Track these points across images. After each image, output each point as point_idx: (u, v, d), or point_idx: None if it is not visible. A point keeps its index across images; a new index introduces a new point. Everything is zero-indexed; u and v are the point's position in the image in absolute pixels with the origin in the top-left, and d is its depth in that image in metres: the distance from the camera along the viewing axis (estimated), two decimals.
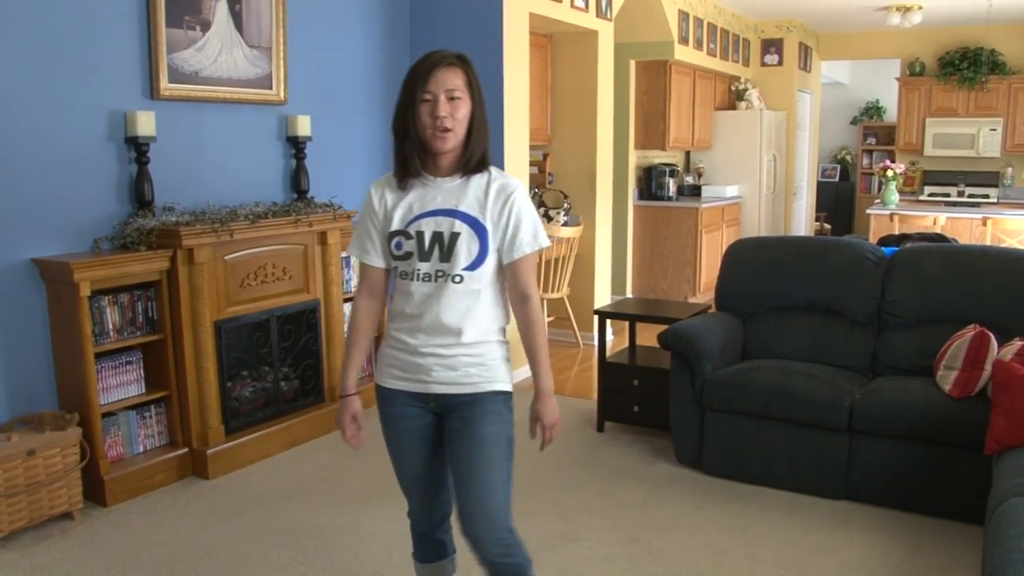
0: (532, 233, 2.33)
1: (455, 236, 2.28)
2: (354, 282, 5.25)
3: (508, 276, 2.37)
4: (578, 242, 6.57)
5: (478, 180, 2.32)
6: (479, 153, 2.32)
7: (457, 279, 2.29)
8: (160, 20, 4.11)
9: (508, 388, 2.39)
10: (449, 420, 2.37)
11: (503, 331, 2.40)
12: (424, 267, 2.30)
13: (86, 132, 3.92)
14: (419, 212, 2.30)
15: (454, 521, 2.46)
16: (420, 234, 2.29)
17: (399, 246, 2.32)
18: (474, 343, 2.33)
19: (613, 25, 6.86)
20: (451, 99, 2.25)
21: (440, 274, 2.29)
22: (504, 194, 2.31)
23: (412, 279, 2.32)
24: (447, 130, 2.24)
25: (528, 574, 2.41)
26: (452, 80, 2.25)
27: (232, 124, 4.58)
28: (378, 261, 2.39)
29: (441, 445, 2.42)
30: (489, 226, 2.30)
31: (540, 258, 6.27)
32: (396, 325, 2.39)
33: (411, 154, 2.30)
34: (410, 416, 2.41)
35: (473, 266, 2.30)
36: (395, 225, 2.32)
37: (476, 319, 2.32)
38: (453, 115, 2.24)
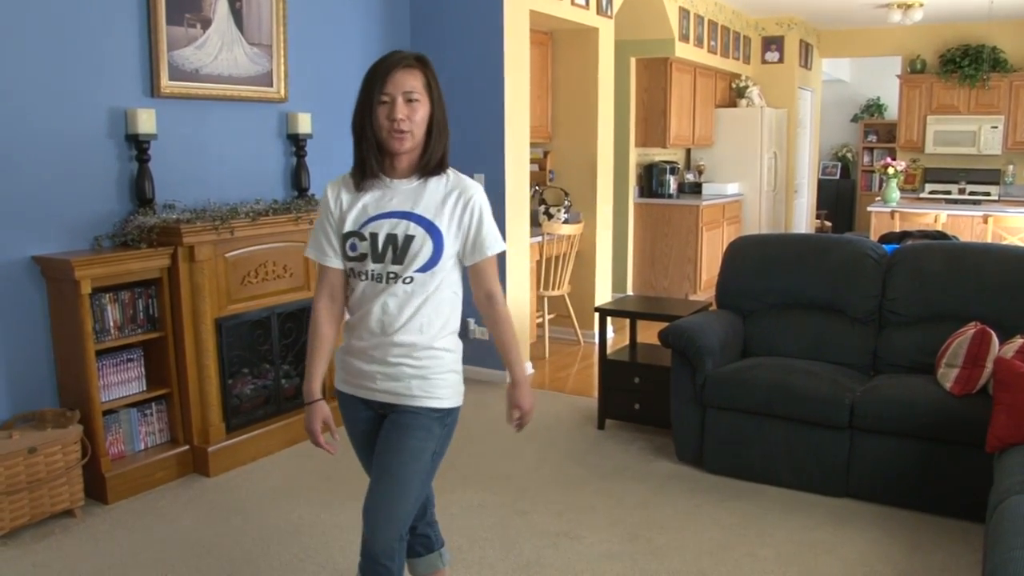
0: (494, 237, 2.34)
1: (409, 239, 2.26)
2: None
3: (472, 277, 2.37)
4: (579, 239, 6.57)
5: (435, 183, 2.31)
6: (438, 155, 2.31)
7: (407, 280, 2.28)
8: (160, 18, 4.11)
9: (448, 405, 2.36)
10: (385, 421, 2.37)
11: (454, 337, 2.40)
12: (376, 268, 2.29)
13: (87, 130, 3.92)
14: (374, 214, 2.29)
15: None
16: (374, 236, 2.28)
17: (353, 247, 2.31)
18: (421, 348, 2.31)
19: (614, 22, 6.86)
20: (409, 101, 2.23)
21: (391, 276, 2.28)
22: (464, 197, 2.31)
23: (364, 279, 2.31)
24: (404, 132, 2.22)
25: None
26: (410, 82, 2.24)
27: (233, 122, 4.58)
28: (336, 263, 2.37)
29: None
30: (444, 229, 2.29)
31: (541, 255, 6.29)
32: (348, 327, 2.39)
33: (368, 155, 2.28)
34: (363, 420, 2.43)
35: (425, 268, 2.28)
36: (349, 226, 2.31)
37: (424, 322, 2.31)
38: (411, 117, 2.23)
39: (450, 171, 2.35)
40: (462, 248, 2.33)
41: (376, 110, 2.24)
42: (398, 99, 2.22)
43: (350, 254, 2.32)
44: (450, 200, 2.30)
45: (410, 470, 2.32)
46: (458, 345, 2.42)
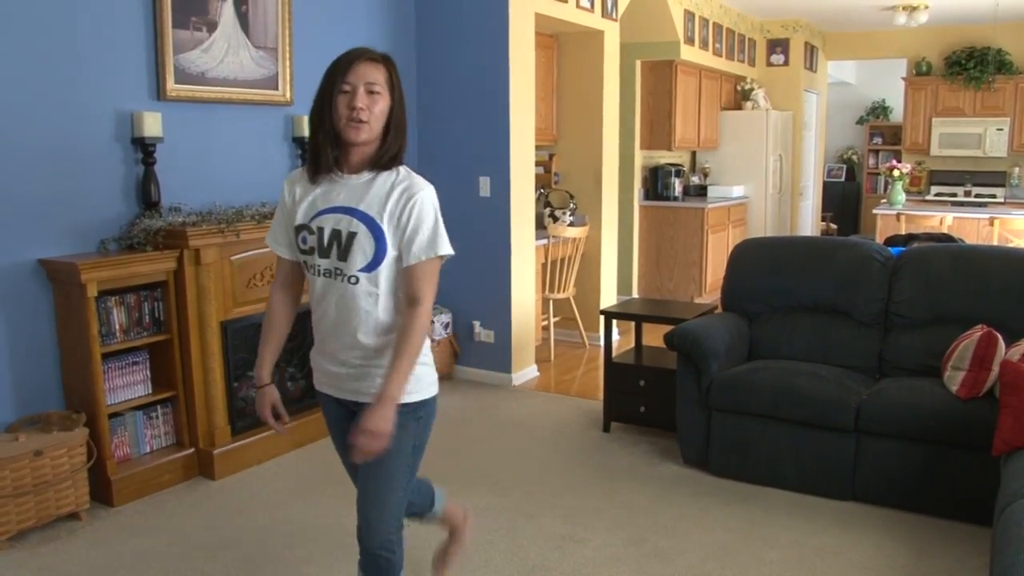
0: (429, 240, 2.24)
1: (352, 235, 2.24)
2: None
3: (402, 278, 2.28)
4: (584, 242, 6.56)
5: (384, 179, 2.27)
6: (393, 151, 2.28)
7: (353, 280, 2.26)
8: (166, 21, 4.12)
9: (418, 398, 2.35)
10: (357, 418, 2.28)
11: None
12: (323, 263, 2.29)
13: (93, 133, 3.93)
14: (321, 208, 2.28)
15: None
16: (320, 230, 2.27)
17: (304, 240, 2.31)
18: (378, 349, 2.30)
19: (619, 25, 6.86)
20: (370, 92, 2.22)
21: (337, 272, 2.27)
22: (407, 195, 2.25)
23: (313, 273, 2.32)
24: (362, 122, 2.20)
25: (397, 573, 2.44)
26: (373, 74, 2.24)
27: (238, 125, 4.59)
28: (288, 253, 2.40)
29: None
30: (386, 227, 2.24)
31: (546, 258, 6.28)
32: (313, 323, 2.40)
33: (324, 147, 2.26)
34: (339, 418, 2.46)
35: (369, 268, 2.25)
36: (299, 219, 2.32)
37: (377, 324, 2.29)
38: (370, 108, 2.22)
39: (402, 168, 2.31)
40: (398, 247, 2.26)
41: (336, 99, 2.23)
42: (359, 88, 2.22)
43: (301, 247, 2.32)
44: (393, 197, 2.25)
45: (393, 466, 2.34)
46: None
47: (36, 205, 3.74)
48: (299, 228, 2.31)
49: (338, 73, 2.25)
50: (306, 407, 4.68)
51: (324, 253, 2.27)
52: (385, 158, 2.27)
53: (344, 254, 2.24)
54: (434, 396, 2.42)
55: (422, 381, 2.36)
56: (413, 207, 2.24)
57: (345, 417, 2.40)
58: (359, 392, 2.34)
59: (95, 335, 3.70)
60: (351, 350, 2.31)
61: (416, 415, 2.36)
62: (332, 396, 2.43)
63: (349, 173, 2.29)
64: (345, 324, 2.29)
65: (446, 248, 2.28)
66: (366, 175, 2.28)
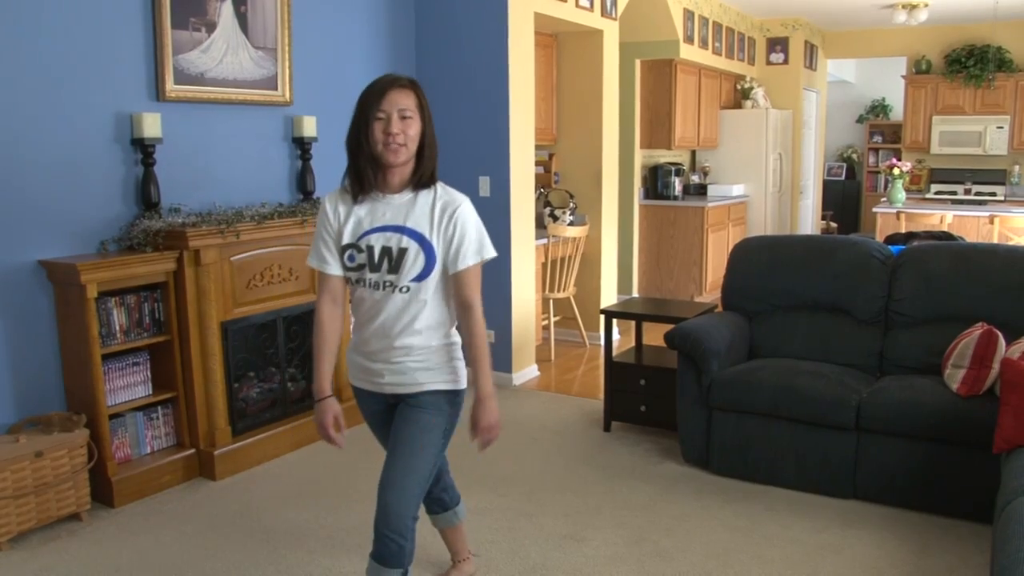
0: (476, 246, 2.50)
1: (403, 251, 2.45)
2: None
3: (453, 286, 2.52)
4: (584, 242, 6.56)
5: (425, 196, 2.49)
6: (429, 170, 2.49)
7: (404, 289, 2.47)
8: (165, 22, 4.12)
9: (452, 387, 2.58)
10: (398, 407, 2.59)
11: (448, 334, 2.58)
12: (373, 277, 2.48)
13: (92, 134, 3.93)
14: (369, 227, 2.47)
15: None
16: (370, 248, 2.47)
17: (352, 258, 2.50)
18: (420, 348, 2.51)
19: (618, 24, 6.86)
20: (403, 118, 2.41)
21: (388, 284, 2.47)
22: (449, 209, 2.47)
23: (363, 286, 2.50)
24: (400, 145, 2.40)
25: (405, 564, 2.54)
26: (404, 101, 2.42)
27: (238, 125, 4.59)
28: (336, 270, 2.54)
29: None
30: (435, 241, 2.46)
31: (546, 257, 6.29)
32: (354, 330, 2.61)
33: (365, 169, 2.45)
34: (376, 411, 2.68)
35: (419, 278, 2.47)
36: (347, 239, 2.50)
37: (421, 326, 2.50)
38: (405, 131, 2.41)
39: (439, 185, 2.52)
40: (445, 257, 2.48)
41: (372, 126, 2.41)
42: (393, 115, 2.40)
43: (348, 264, 2.50)
44: (436, 212, 2.47)
45: (422, 443, 2.52)
46: (457, 337, 2.61)
47: (36, 206, 3.74)
48: (346, 247, 2.50)
49: (371, 102, 2.42)
50: (306, 408, 4.68)
51: (375, 268, 2.47)
52: (424, 177, 2.48)
53: (395, 268, 2.45)
54: (465, 388, 2.62)
55: (457, 373, 2.59)
56: (456, 220, 2.47)
57: (383, 409, 2.64)
58: (400, 384, 2.54)
59: (95, 336, 3.70)
60: (396, 351, 2.51)
61: (452, 402, 2.59)
62: (367, 390, 2.62)
63: (390, 193, 2.48)
64: (392, 328, 2.49)
65: (490, 252, 2.54)
66: (407, 194, 2.48)
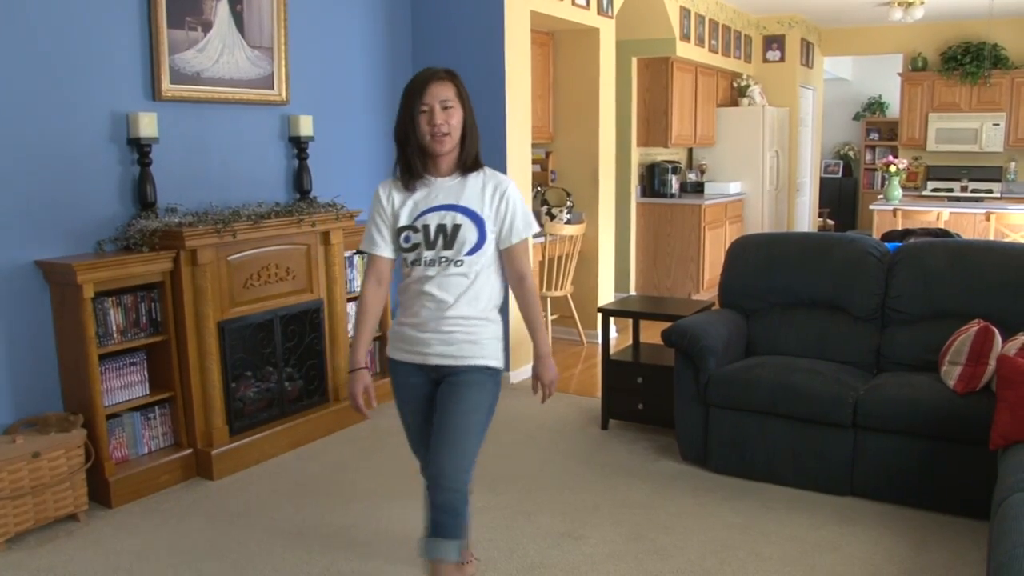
0: (524, 221, 2.70)
1: (457, 227, 2.62)
2: (357, 282, 5.25)
3: (506, 259, 2.72)
4: (581, 240, 6.56)
5: (474, 178, 2.68)
6: (473, 154, 2.68)
7: (458, 263, 2.63)
8: (161, 21, 4.12)
9: (496, 364, 2.72)
10: (442, 384, 2.70)
11: (496, 310, 2.74)
12: (429, 255, 2.63)
13: (88, 134, 3.93)
14: (424, 208, 2.64)
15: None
16: (426, 227, 2.63)
17: (407, 239, 2.65)
18: (469, 319, 2.65)
19: (614, 22, 6.86)
20: (445, 108, 2.58)
21: (443, 260, 2.63)
22: (499, 190, 2.67)
23: (419, 265, 2.65)
24: (445, 134, 2.58)
25: (462, 536, 2.68)
26: (444, 92, 2.60)
27: (234, 125, 4.59)
28: (386, 252, 2.72)
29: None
30: (486, 217, 2.64)
31: (543, 256, 6.29)
32: (404, 305, 2.72)
33: (413, 158, 2.63)
34: (413, 384, 2.76)
35: (472, 252, 2.63)
36: (403, 221, 2.66)
37: (472, 298, 2.65)
38: (448, 121, 2.58)
39: (485, 168, 2.72)
40: (498, 233, 2.68)
41: (418, 119, 2.58)
42: (435, 107, 2.57)
43: (404, 245, 2.66)
44: (487, 192, 2.66)
45: (472, 420, 2.64)
46: (500, 318, 2.77)
47: (32, 206, 3.74)
48: (402, 229, 2.66)
49: (414, 96, 2.59)
50: (303, 407, 4.68)
51: (431, 245, 2.63)
52: (468, 160, 2.67)
53: (450, 243, 2.62)
54: (502, 370, 2.78)
55: (500, 352, 2.75)
56: (507, 198, 2.67)
57: (423, 383, 2.74)
58: (447, 356, 2.66)
59: (92, 336, 3.70)
60: (447, 320, 2.64)
61: (495, 380, 2.73)
62: (415, 364, 2.71)
63: (441, 177, 2.66)
64: (446, 301, 2.63)
65: (535, 227, 2.74)
66: (457, 177, 2.67)
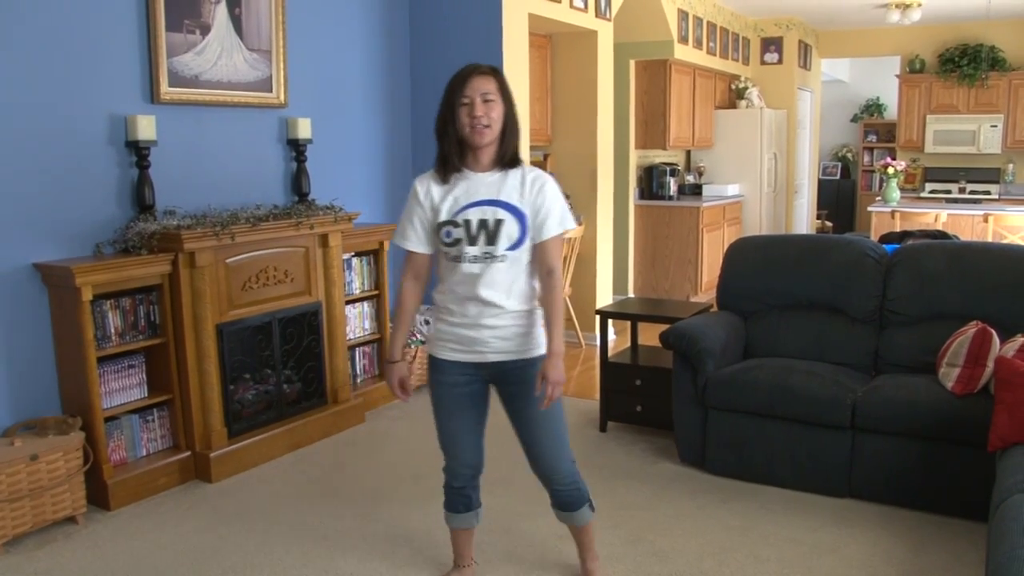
0: (559, 218, 2.71)
1: (499, 222, 2.65)
2: (355, 284, 5.26)
3: (537, 253, 2.73)
4: (579, 242, 6.57)
5: (514, 173, 2.70)
6: (512, 149, 2.70)
7: (502, 259, 2.67)
8: (160, 24, 4.12)
9: (544, 351, 2.77)
10: (504, 385, 2.81)
11: (536, 302, 2.79)
12: (472, 250, 2.66)
13: (87, 136, 3.93)
14: (465, 203, 2.66)
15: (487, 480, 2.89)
16: (467, 222, 2.65)
17: (448, 234, 2.68)
18: (517, 312, 2.72)
19: (612, 25, 6.86)
20: (486, 101, 2.61)
21: (487, 255, 2.66)
22: (538, 184, 2.70)
23: (462, 261, 2.67)
24: (486, 127, 2.60)
25: (588, 499, 2.94)
26: (486, 85, 2.62)
27: (233, 127, 4.59)
28: (422, 248, 2.76)
29: (482, 408, 2.87)
30: (527, 212, 2.67)
31: None
32: (451, 303, 2.75)
33: (451, 152, 2.66)
34: (461, 383, 2.80)
35: (514, 247, 2.67)
36: (443, 216, 2.68)
37: (518, 292, 2.71)
38: (488, 114, 2.61)
39: (524, 165, 2.75)
40: (533, 227, 2.69)
41: (458, 111, 2.62)
42: (476, 99, 2.60)
43: (445, 240, 2.69)
44: (526, 186, 2.68)
45: (554, 414, 2.79)
46: (538, 306, 2.82)
47: (31, 209, 3.74)
48: (443, 224, 2.68)
49: (456, 89, 2.63)
50: (302, 410, 4.68)
51: (472, 241, 2.66)
52: (507, 156, 2.69)
53: (492, 239, 2.65)
54: None
55: (544, 337, 2.80)
56: (545, 193, 2.69)
57: (469, 381, 2.80)
58: (504, 351, 2.74)
59: (90, 339, 3.70)
60: (495, 317, 2.70)
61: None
62: (460, 361, 2.77)
63: (480, 171, 2.69)
64: (491, 296, 2.68)
65: (571, 223, 2.77)
66: (497, 172, 2.69)
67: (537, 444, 2.81)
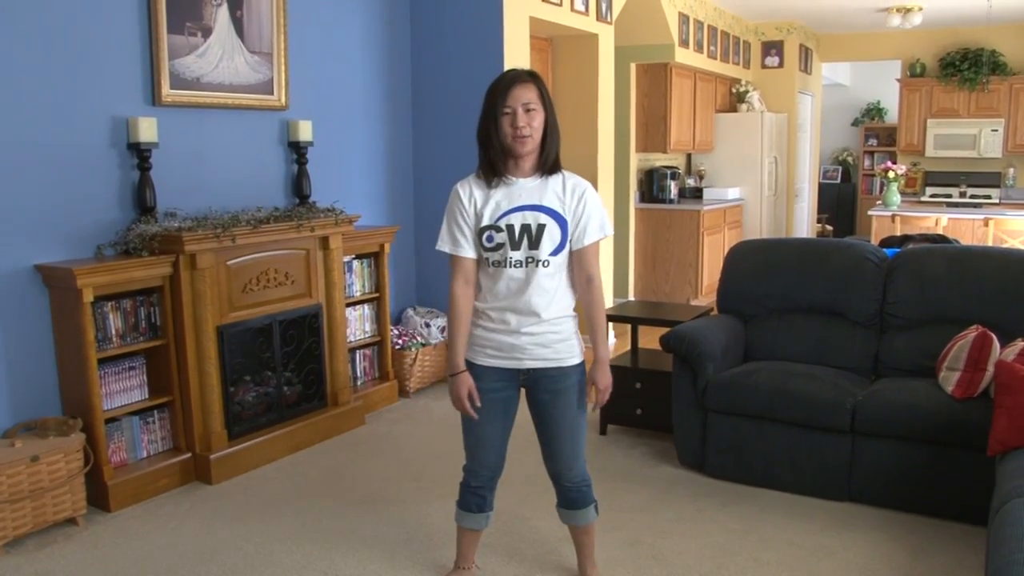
0: (599, 224, 2.76)
1: (541, 227, 2.68)
2: (356, 287, 5.26)
3: (576, 260, 2.77)
4: None
5: (555, 180, 2.73)
6: (554, 154, 2.73)
7: (545, 264, 2.70)
8: (161, 26, 4.13)
9: (582, 358, 2.84)
10: (537, 392, 2.83)
11: (572, 307, 2.83)
12: (516, 255, 2.69)
13: (88, 138, 3.93)
14: (507, 208, 2.69)
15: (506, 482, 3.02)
16: (510, 227, 2.68)
17: (490, 239, 2.70)
18: (556, 319, 2.75)
19: (613, 28, 6.87)
20: (528, 111, 2.63)
21: (530, 260, 2.69)
22: (578, 191, 2.73)
23: (506, 266, 2.70)
24: (526, 136, 2.63)
25: (594, 500, 2.99)
26: (527, 95, 2.64)
27: (234, 130, 4.59)
28: (471, 252, 2.74)
29: (512, 414, 2.88)
30: (568, 217, 2.71)
31: None
32: (490, 309, 2.76)
33: (496, 159, 2.68)
34: (496, 389, 2.81)
35: (556, 252, 2.70)
36: (486, 221, 2.70)
37: (558, 298, 2.75)
38: (530, 124, 2.64)
39: (564, 171, 2.77)
40: (572, 233, 2.73)
41: (500, 120, 2.64)
42: (518, 110, 2.63)
43: (487, 245, 2.71)
44: (568, 192, 2.72)
45: (579, 423, 2.87)
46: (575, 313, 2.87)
47: (32, 211, 3.74)
48: (485, 228, 2.70)
49: (498, 99, 2.64)
50: (302, 412, 4.68)
51: (515, 245, 2.69)
52: (549, 161, 2.72)
53: (535, 243, 2.68)
54: None
55: (582, 345, 2.87)
56: (585, 200, 2.73)
57: (505, 386, 2.82)
58: (543, 358, 2.77)
59: (91, 340, 3.70)
60: (541, 323, 2.72)
61: (582, 371, 2.85)
62: (497, 367, 2.78)
63: (522, 178, 2.72)
64: (537, 304, 2.71)
65: (609, 229, 2.83)
66: (538, 178, 2.72)
67: (559, 442, 2.86)
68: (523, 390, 2.88)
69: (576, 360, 2.82)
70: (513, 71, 2.70)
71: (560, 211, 2.70)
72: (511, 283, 2.71)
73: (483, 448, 2.91)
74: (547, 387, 2.81)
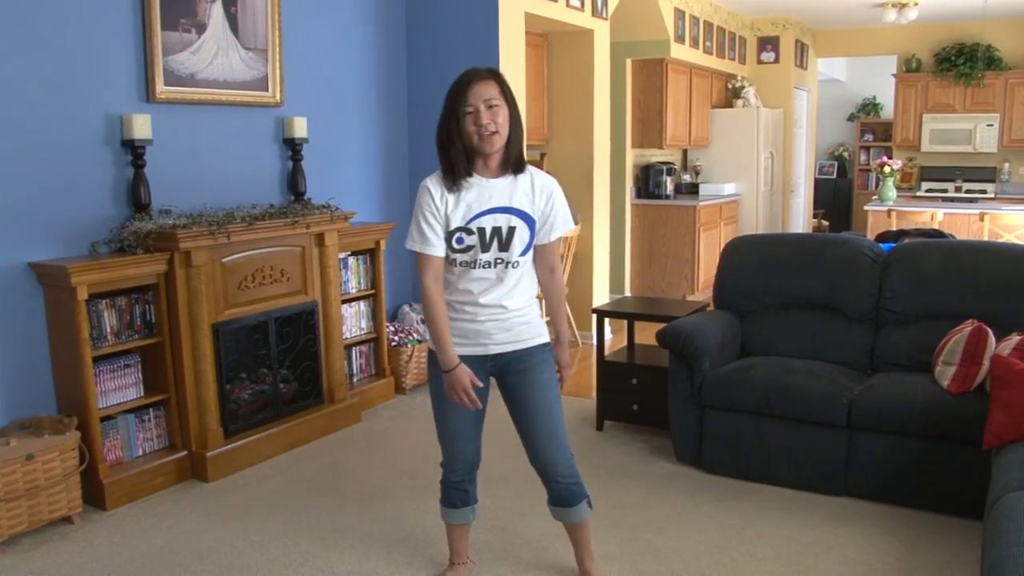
0: (564, 219, 2.81)
1: (512, 230, 2.69)
2: (351, 283, 5.26)
3: (540, 253, 2.82)
4: (576, 241, 6.57)
5: (523, 179, 2.73)
6: (517, 151, 2.70)
7: (514, 264, 2.73)
8: (155, 23, 4.11)
9: (548, 339, 2.89)
10: (506, 376, 2.84)
11: (535, 295, 2.87)
12: (485, 257, 2.70)
13: (82, 135, 3.92)
14: (479, 211, 2.67)
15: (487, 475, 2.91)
16: (481, 230, 2.67)
17: (460, 240, 2.68)
18: (524, 307, 2.80)
19: (609, 24, 6.86)
20: (490, 107, 2.60)
21: (499, 261, 2.71)
22: (547, 191, 2.76)
23: (475, 267, 2.71)
24: (493, 133, 2.60)
25: (586, 495, 2.93)
26: (488, 91, 2.61)
27: (228, 126, 4.58)
28: (440, 251, 2.71)
29: (483, 402, 2.82)
30: (536, 217, 2.74)
31: None
32: (456, 303, 2.77)
33: (457, 161, 2.64)
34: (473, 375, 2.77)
35: (524, 252, 2.74)
36: (456, 223, 2.67)
37: (522, 290, 2.78)
38: (495, 120, 2.60)
39: (530, 168, 2.79)
40: (539, 230, 2.77)
41: (463, 120, 2.61)
42: (480, 107, 2.60)
43: (456, 246, 2.69)
44: (536, 192, 2.74)
45: (552, 399, 2.84)
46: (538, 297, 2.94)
47: (26, 208, 3.73)
48: (455, 231, 2.68)
49: (459, 97, 2.62)
50: (298, 409, 4.68)
51: (486, 248, 2.69)
52: (513, 158, 2.71)
53: (506, 245, 2.69)
54: None
55: (545, 326, 2.91)
56: (552, 198, 2.77)
57: (478, 376, 2.78)
58: (507, 342, 2.79)
59: (86, 338, 3.69)
60: (504, 312, 2.76)
61: (551, 351, 2.90)
62: (464, 355, 2.76)
63: (492, 178, 2.70)
64: (502, 298, 2.74)
65: (571, 224, 2.88)
66: (508, 177, 2.72)
67: (536, 433, 2.83)
68: (495, 382, 2.89)
69: (541, 339, 2.85)
70: (472, 69, 2.66)
71: (530, 212, 2.71)
72: (479, 282, 2.73)
73: (458, 440, 2.91)
74: (515, 368, 2.82)
